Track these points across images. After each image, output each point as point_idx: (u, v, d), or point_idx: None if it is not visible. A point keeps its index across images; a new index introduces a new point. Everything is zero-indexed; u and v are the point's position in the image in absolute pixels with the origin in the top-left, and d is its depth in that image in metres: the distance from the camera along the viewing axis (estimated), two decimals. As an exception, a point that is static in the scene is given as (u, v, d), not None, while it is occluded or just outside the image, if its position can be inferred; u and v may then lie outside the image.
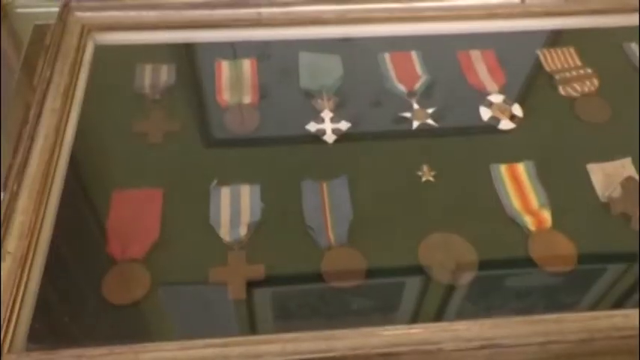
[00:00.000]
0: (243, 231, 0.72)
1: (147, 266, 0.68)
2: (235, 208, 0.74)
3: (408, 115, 0.85)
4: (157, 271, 0.68)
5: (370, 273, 0.69)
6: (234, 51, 0.94)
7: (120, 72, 0.89)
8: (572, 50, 0.95)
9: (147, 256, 0.69)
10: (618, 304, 0.66)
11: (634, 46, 0.95)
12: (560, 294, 0.68)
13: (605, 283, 0.69)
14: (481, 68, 0.92)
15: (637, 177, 0.78)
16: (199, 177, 0.77)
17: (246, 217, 0.73)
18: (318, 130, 0.83)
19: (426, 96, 0.88)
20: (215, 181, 0.76)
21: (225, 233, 0.72)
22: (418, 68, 0.92)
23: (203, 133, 0.83)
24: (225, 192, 0.76)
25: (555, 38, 0.97)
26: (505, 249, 0.72)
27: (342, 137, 0.82)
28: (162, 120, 0.83)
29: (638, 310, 0.61)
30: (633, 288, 0.68)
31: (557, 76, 0.91)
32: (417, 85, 0.89)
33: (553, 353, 0.60)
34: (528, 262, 0.70)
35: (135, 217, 0.72)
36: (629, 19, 0.97)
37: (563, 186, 0.78)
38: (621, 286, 0.69)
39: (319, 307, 0.66)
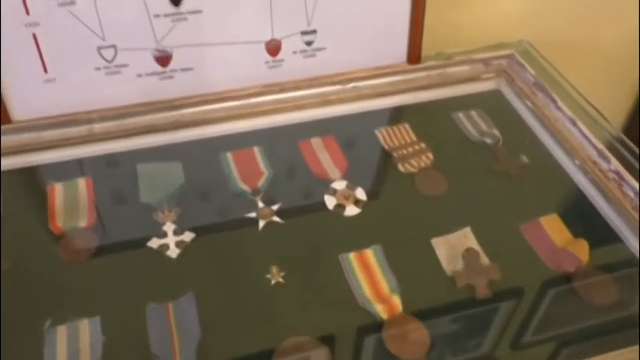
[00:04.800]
0: (81, 374, 0.66)
1: None
2: (73, 347, 0.69)
3: (253, 215, 0.84)
4: None
5: (223, 396, 0.65)
6: (73, 170, 0.90)
7: None
8: (407, 126, 0.99)
9: None
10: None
11: (461, 115, 1.01)
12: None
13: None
14: (323, 155, 0.93)
15: (477, 246, 0.80)
16: (31, 318, 0.71)
17: (85, 356, 0.68)
18: (161, 246, 0.79)
19: (271, 192, 0.87)
20: (49, 322, 0.70)
21: (61, 380, 0.66)
22: (261, 164, 0.91)
23: (34, 268, 0.77)
24: (62, 331, 0.70)
25: (390, 116, 1.01)
26: (360, 343, 0.71)
27: (186, 250, 0.79)
28: (-14, 261, 0.76)
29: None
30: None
31: (395, 154, 0.94)
32: (261, 182, 0.88)
33: None
34: (385, 354, 0.69)
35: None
36: (453, 91, 1.04)
37: (412, 265, 0.79)
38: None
39: None
